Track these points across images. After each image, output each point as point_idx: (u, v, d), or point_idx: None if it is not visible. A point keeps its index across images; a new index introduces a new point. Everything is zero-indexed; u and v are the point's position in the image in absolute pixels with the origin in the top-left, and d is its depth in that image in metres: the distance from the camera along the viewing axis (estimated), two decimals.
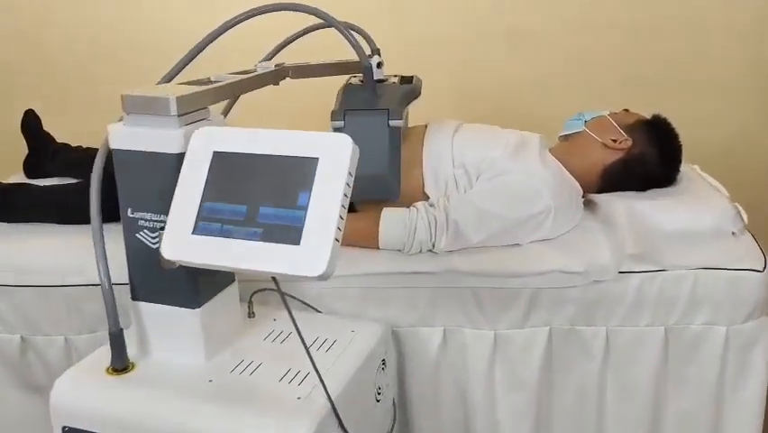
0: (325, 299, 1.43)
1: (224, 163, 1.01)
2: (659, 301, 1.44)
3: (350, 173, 0.99)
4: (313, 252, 0.94)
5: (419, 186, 1.56)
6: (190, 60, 1.28)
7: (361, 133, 1.44)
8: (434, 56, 2.31)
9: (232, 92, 1.30)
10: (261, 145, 1.01)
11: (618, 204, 1.54)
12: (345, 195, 0.97)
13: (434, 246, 1.43)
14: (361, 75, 1.55)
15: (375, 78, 1.56)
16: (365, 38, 1.63)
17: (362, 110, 1.46)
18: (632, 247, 1.44)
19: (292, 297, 1.40)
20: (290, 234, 0.95)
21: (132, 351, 1.17)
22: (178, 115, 1.06)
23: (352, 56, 1.41)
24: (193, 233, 0.99)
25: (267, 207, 0.98)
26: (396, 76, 1.63)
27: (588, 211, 1.63)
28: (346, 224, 1.45)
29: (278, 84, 1.47)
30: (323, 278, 0.92)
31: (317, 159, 0.99)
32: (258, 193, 0.99)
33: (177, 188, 1.02)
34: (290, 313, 1.07)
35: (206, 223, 0.99)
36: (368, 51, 1.52)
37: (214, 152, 1.02)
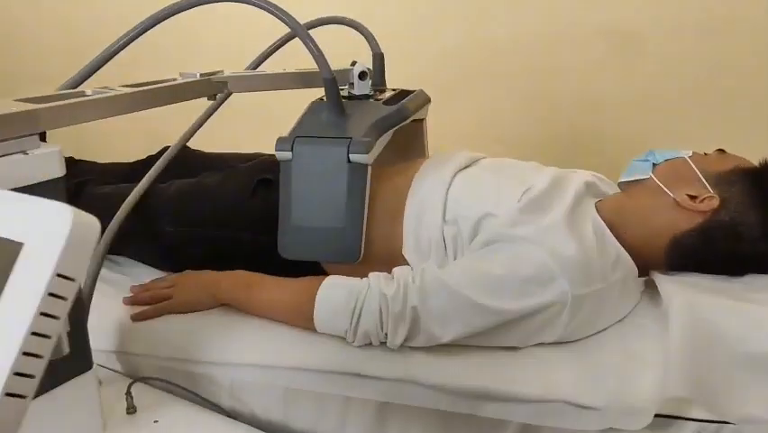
0: (241, 394, 1.02)
1: None
2: None
3: (65, 271, 0.50)
4: None
5: (398, 246, 1.13)
6: (100, 65, 0.94)
7: (313, 169, 1.04)
8: (503, 61, 1.86)
9: (102, 110, 0.89)
10: None
11: (678, 298, 1.00)
12: (49, 304, 0.49)
13: (387, 341, 1.00)
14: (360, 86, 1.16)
15: (358, 94, 1.16)
16: (366, 37, 1.24)
17: (315, 138, 1.06)
18: (680, 381, 0.89)
19: (185, 389, 0.99)
20: None
21: None
22: None
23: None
24: None
25: None
26: (394, 90, 1.23)
27: (646, 297, 1.11)
28: (276, 293, 1.07)
29: (214, 99, 1.09)
30: None
31: (21, 245, 0.53)
32: None
33: None
34: None
35: None
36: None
37: None
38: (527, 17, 1.80)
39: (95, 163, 1.56)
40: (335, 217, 1.06)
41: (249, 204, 1.18)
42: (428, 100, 1.26)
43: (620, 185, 1.17)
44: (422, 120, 1.32)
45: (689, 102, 1.77)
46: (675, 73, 1.77)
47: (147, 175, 1.21)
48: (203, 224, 1.18)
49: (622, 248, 1.04)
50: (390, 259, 1.11)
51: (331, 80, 1.06)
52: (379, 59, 1.27)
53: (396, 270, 1.01)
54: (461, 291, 0.95)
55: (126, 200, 1.07)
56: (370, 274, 1.01)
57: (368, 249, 1.11)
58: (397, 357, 0.98)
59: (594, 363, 0.96)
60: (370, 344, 0.99)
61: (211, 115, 1.29)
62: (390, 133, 1.11)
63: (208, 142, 1.38)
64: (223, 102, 1.29)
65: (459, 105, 1.87)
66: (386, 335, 0.97)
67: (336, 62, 1.08)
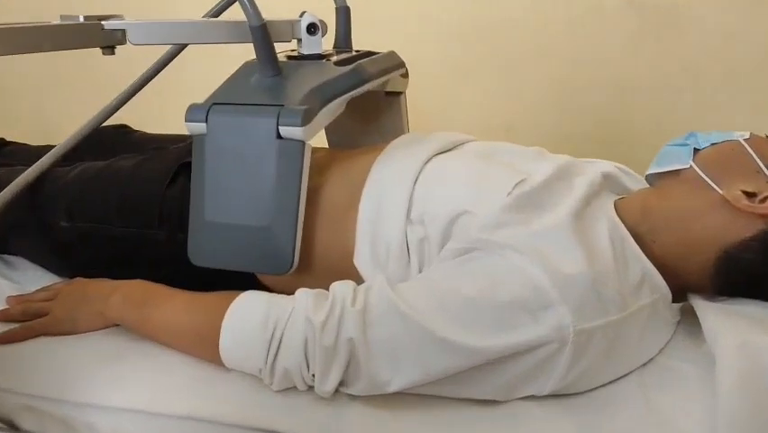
0: None
1: None
2: None
3: None
4: None
5: (348, 252, 0.85)
6: None
7: (233, 146, 0.78)
8: (517, 39, 1.57)
9: None
10: None
11: (728, 335, 0.70)
12: None
13: (315, 386, 0.71)
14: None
15: (306, 53, 0.89)
16: None
17: (237, 105, 0.79)
18: None
19: None
20: None
21: None
22: None
23: None
24: None
25: None
26: (359, 51, 0.96)
27: (682, 332, 0.82)
28: (176, 314, 0.80)
29: (111, 52, 0.83)
30: None
31: None
32: None
33: None
34: None
35: None
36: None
37: None
38: None
39: (26, 145, 1.31)
40: (261, 212, 0.79)
41: (167, 194, 0.91)
42: (401, 65, 0.98)
43: (649, 178, 0.87)
44: (399, 94, 1.05)
45: (736, 85, 1.47)
46: (720, 51, 1.47)
47: (47, 155, 0.95)
48: (106, 218, 0.92)
49: (650, 263, 0.75)
50: (341, 270, 0.83)
51: (258, 29, 0.79)
52: (343, 14, 0.99)
53: (334, 286, 0.73)
54: (418, 319, 0.67)
55: (11, 185, 0.82)
56: (298, 291, 0.74)
57: (311, 256, 0.85)
58: (327, 409, 0.70)
59: (606, 426, 0.67)
60: (295, 387, 0.71)
61: (148, 80, 1.02)
62: (341, 103, 0.84)
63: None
64: (164, 65, 1.04)
65: (465, 90, 1.61)
66: (313, 377, 0.69)
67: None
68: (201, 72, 1.47)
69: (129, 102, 1.00)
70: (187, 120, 0.80)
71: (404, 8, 1.60)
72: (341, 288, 0.72)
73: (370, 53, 0.94)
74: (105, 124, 1.12)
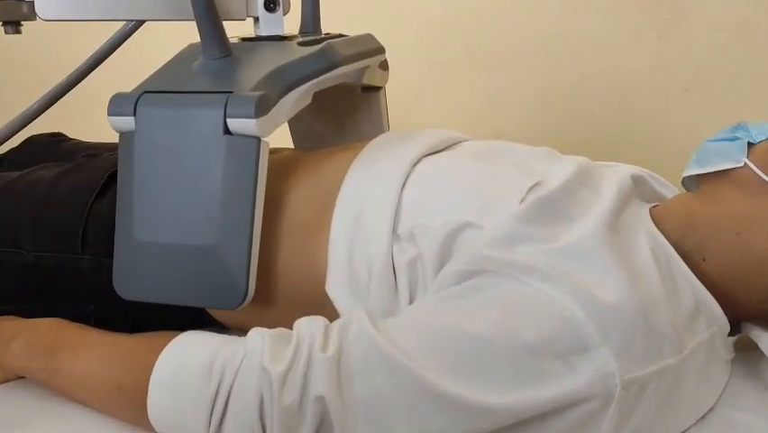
0: None
1: None
2: None
3: None
4: None
5: (320, 277, 0.68)
6: None
7: (169, 145, 0.61)
8: (512, 31, 1.42)
9: None
10: None
11: None
12: None
13: None
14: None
15: (264, 34, 0.73)
16: None
17: (174, 94, 0.62)
18: None
19: None
20: None
21: None
22: None
23: None
24: None
25: None
26: (328, 34, 0.79)
27: (739, 371, 0.66)
28: (93, 362, 0.61)
29: (15, 29, 0.66)
30: None
31: None
32: None
33: None
34: None
35: None
36: None
37: None
38: None
39: None
40: (205, 229, 0.62)
41: (92, 210, 0.74)
42: (380, 50, 0.81)
43: (687, 182, 0.71)
44: (378, 89, 0.88)
45: (748, 84, 1.34)
46: (730, 48, 1.34)
47: None
48: (17, 241, 0.74)
49: (704, 288, 0.59)
50: (310, 300, 0.66)
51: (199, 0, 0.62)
52: None
53: (300, 324, 0.56)
54: (410, 368, 0.50)
55: None
56: (252, 332, 0.56)
57: (271, 283, 0.67)
58: None
59: None
60: None
61: (81, 77, 0.85)
62: (307, 92, 0.67)
63: None
64: (106, 54, 0.86)
65: (448, 91, 1.45)
66: None
67: None
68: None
69: (69, 108, 0.83)
70: (110, 113, 0.63)
71: (384, 3, 1.46)
72: (308, 326, 0.55)
73: (341, 36, 0.78)
74: (38, 132, 0.95)
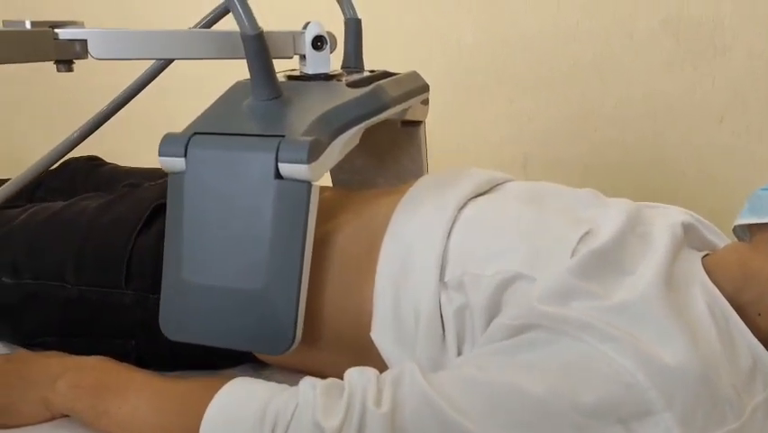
0: None
1: None
2: None
3: None
4: None
5: (364, 324, 0.67)
6: None
7: (219, 187, 0.61)
8: (536, 59, 1.41)
9: None
10: None
11: None
12: None
13: None
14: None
15: (311, 72, 0.73)
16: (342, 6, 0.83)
17: (225, 136, 0.62)
18: None
19: None
20: None
21: None
22: None
23: None
24: None
25: None
26: (373, 72, 0.79)
27: None
28: (141, 407, 0.61)
29: (68, 68, 0.66)
30: None
31: None
32: None
33: None
34: None
35: None
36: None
37: None
38: (572, 5, 1.37)
39: None
40: (253, 272, 0.62)
41: (137, 244, 0.74)
42: (425, 88, 0.81)
43: (739, 230, 0.70)
44: (418, 123, 0.88)
45: None
46: (765, 77, 1.33)
47: None
48: (60, 275, 0.74)
49: (760, 344, 0.57)
50: (355, 342, 0.66)
51: (253, 39, 0.62)
52: (353, 26, 0.83)
53: (351, 375, 0.56)
54: (468, 428, 0.50)
55: None
56: (303, 382, 0.56)
57: (316, 325, 0.67)
58: None
59: None
60: None
61: (123, 104, 0.86)
62: (356, 133, 0.67)
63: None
64: (134, 94, 0.87)
65: (478, 116, 1.44)
66: None
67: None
68: (188, 97, 1.30)
69: (101, 130, 0.84)
70: (161, 154, 0.63)
71: (413, 25, 1.45)
72: (358, 378, 0.54)
73: (387, 74, 0.78)
74: (73, 155, 0.95)
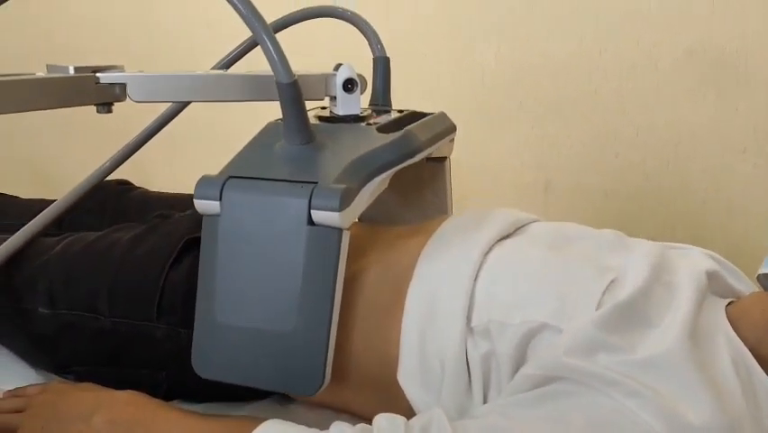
0: None
1: None
2: None
3: None
4: None
5: (390, 365, 0.68)
6: None
7: (253, 231, 0.62)
8: (557, 85, 1.41)
9: None
10: None
11: None
12: None
13: None
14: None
15: (342, 114, 0.75)
16: (365, 35, 0.86)
17: (259, 180, 0.64)
18: None
19: None
20: None
21: None
22: None
23: None
24: None
25: None
26: (401, 112, 0.81)
27: None
28: None
29: (107, 110, 0.68)
30: None
31: None
32: None
33: None
34: None
35: None
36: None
37: None
38: (596, 33, 1.38)
39: (16, 198, 1.16)
40: (284, 315, 0.64)
41: (169, 278, 0.76)
42: (452, 129, 0.82)
43: (763, 279, 0.70)
44: (443, 159, 0.89)
45: None
46: None
47: (28, 224, 0.80)
48: (94, 307, 0.76)
49: None
50: (380, 380, 0.67)
51: (288, 87, 0.64)
52: (382, 65, 0.85)
53: (378, 421, 0.57)
54: None
55: None
56: (334, 427, 0.57)
57: (342, 363, 0.68)
58: None
59: None
60: None
61: (148, 139, 0.89)
62: (386, 178, 0.68)
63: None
64: (166, 122, 0.90)
65: (499, 140, 1.45)
66: None
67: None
68: (217, 118, 1.32)
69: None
70: (196, 197, 0.65)
71: (434, 48, 1.47)
72: (387, 425, 0.56)
73: (415, 114, 0.79)
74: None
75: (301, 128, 0.66)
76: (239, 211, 0.64)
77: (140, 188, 1.11)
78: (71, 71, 0.64)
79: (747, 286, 0.73)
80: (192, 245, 0.76)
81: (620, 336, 0.57)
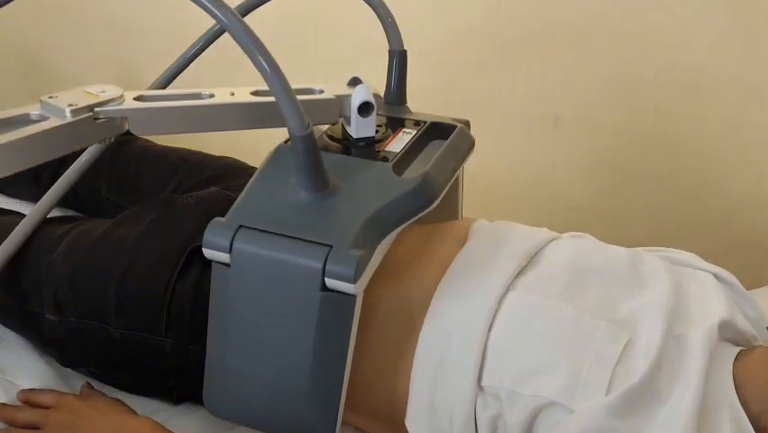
0: None
1: None
2: None
3: None
4: None
5: (400, 403, 0.68)
6: None
7: (263, 287, 0.61)
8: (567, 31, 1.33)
9: None
10: None
11: None
12: None
13: None
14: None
15: (355, 136, 0.71)
16: (380, 18, 0.79)
17: (271, 235, 0.61)
18: None
19: None
20: None
21: None
22: None
23: None
24: None
25: None
26: (418, 124, 0.76)
27: None
28: None
29: (105, 142, 0.64)
30: None
31: None
32: None
33: None
34: None
35: None
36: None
37: None
38: None
39: None
40: (295, 372, 0.64)
41: (176, 291, 0.75)
42: (471, 148, 0.77)
43: None
44: None
45: None
46: None
47: (30, 212, 0.79)
48: (103, 316, 0.76)
49: None
50: (390, 418, 0.69)
51: (303, 138, 0.60)
52: (398, 59, 0.79)
53: None
54: None
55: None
56: None
57: (351, 399, 0.69)
58: None
59: None
60: None
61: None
62: (399, 231, 0.66)
63: None
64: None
65: (509, 74, 1.38)
66: None
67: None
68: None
69: None
70: (205, 245, 0.62)
71: None
72: None
73: (432, 133, 0.75)
74: None
75: (315, 178, 0.62)
76: (250, 266, 0.62)
77: (140, 139, 1.06)
78: (68, 114, 0.59)
79: (759, 313, 0.73)
80: (197, 255, 0.74)
81: (630, 420, 0.58)
